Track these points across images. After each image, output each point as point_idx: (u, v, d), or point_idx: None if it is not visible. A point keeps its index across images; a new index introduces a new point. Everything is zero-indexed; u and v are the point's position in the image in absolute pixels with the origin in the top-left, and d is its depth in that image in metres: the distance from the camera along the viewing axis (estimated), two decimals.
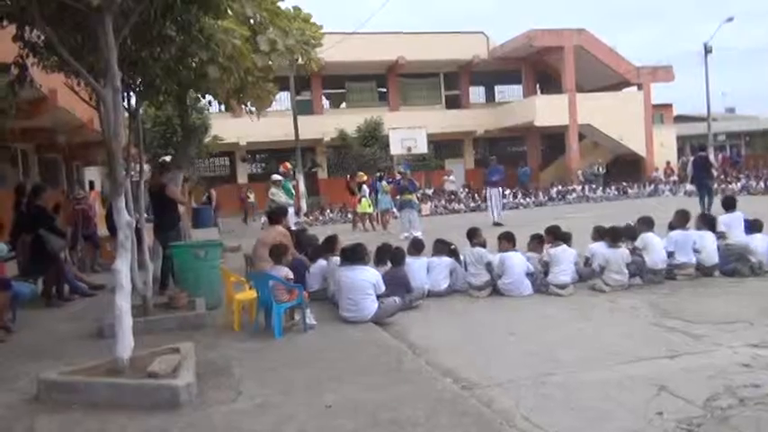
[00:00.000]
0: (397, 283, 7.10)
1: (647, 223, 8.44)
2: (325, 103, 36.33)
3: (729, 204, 9.22)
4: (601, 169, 32.04)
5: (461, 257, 8.24)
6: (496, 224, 15.50)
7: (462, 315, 7.09)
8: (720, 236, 8.45)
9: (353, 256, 6.99)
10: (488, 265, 7.92)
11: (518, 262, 7.79)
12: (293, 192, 15.72)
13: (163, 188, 8.65)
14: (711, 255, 8.21)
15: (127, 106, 6.99)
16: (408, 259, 7.81)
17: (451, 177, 32.52)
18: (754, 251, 8.22)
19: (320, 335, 6.24)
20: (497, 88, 40.06)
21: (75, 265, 10.67)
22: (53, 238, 8.57)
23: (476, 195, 27.97)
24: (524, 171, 32.25)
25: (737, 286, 7.65)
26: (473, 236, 8.40)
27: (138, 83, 6.84)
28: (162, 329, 6.47)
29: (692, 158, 16.87)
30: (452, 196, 28.51)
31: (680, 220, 8.54)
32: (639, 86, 34.44)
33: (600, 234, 8.30)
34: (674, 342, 5.45)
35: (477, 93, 39.55)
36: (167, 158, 10.97)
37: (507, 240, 8.12)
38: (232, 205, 30.79)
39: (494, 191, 17.29)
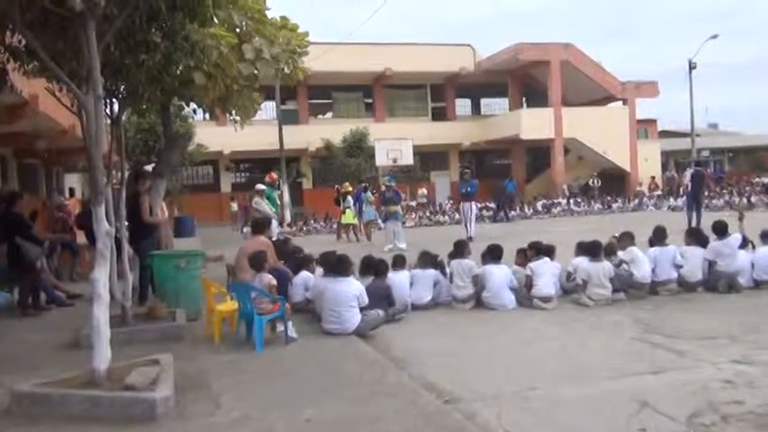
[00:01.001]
0: (379, 296, 7.08)
1: (630, 238, 8.52)
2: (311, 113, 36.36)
3: (721, 230, 8.56)
4: (596, 182, 32.25)
5: (447, 270, 8.25)
6: (470, 239, 15.07)
7: (446, 328, 7.08)
8: (711, 263, 8.41)
9: (337, 267, 6.97)
10: (475, 278, 7.94)
11: (500, 275, 7.82)
12: (278, 202, 15.66)
13: (137, 196, 8.55)
14: (695, 271, 8.28)
15: (109, 113, 6.93)
16: (390, 273, 7.80)
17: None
18: (741, 272, 8.27)
19: (302, 348, 6.20)
20: (483, 101, 40.41)
21: (52, 274, 10.53)
22: (29, 245, 8.45)
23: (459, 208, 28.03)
24: (512, 184, 32.30)
25: (721, 302, 7.72)
26: (462, 248, 8.42)
27: (120, 90, 6.79)
28: (140, 341, 6.38)
29: (689, 171, 16.95)
30: (438, 208, 28.57)
31: (658, 236, 8.62)
32: (624, 101, 34.94)
33: (582, 249, 8.35)
34: (657, 358, 5.48)
35: (463, 105, 39.87)
36: (148, 167, 10.87)
37: (490, 254, 8.13)
38: (215, 214, 30.68)
39: (467, 205, 16.79)
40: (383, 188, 17.30)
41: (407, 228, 20.17)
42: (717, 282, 8.17)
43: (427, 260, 8.32)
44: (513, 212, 26.54)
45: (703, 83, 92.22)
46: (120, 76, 6.41)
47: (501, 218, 25.24)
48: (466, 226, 16.55)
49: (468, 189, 16.91)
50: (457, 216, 25.79)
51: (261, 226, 8.30)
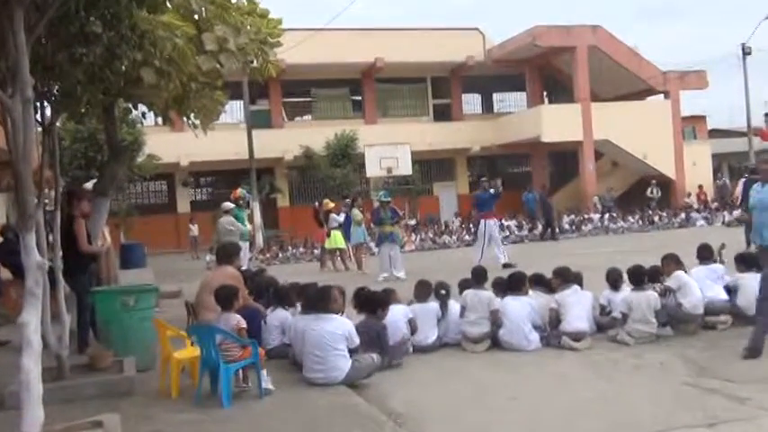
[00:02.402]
0: (371, 338, 7.07)
1: (676, 261, 8.56)
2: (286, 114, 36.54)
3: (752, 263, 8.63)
4: (656, 192, 32.31)
5: (451, 301, 8.25)
6: (506, 265, 14.87)
7: (455, 374, 7.07)
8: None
9: (318, 302, 6.97)
10: (494, 314, 7.94)
11: (519, 309, 7.83)
12: (247, 225, 15.67)
13: (71, 221, 8.54)
14: (753, 300, 8.29)
15: (40, 120, 6.96)
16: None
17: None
18: None
19: (279, 402, 6.18)
20: (496, 96, 40.71)
21: None
22: None
23: (470, 227, 28.13)
24: (532, 195, 32.34)
25: None
26: (481, 276, 8.45)
27: (54, 91, 6.83)
28: (81, 397, 6.36)
29: (742, 181, 17.08)
30: (444, 227, 28.64)
31: (703, 254, 8.73)
32: (666, 95, 35.15)
33: (613, 279, 8.41)
34: (712, 406, 5.48)
35: (471, 101, 40.14)
36: (88, 185, 10.89)
37: (508, 284, 8.16)
38: (170, 239, 30.63)
39: (489, 222, 16.37)
40: (376, 205, 17.26)
41: (406, 252, 20.17)
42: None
43: (424, 291, 8.33)
44: (535, 231, 26.63)
45: (761, 71, 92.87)
46: (52, 75, 6.45)
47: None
48: (482, 249, 15.99)
49: (487, 201, 16.52)
50: (467, 236, 25.95)
51: (228, 254, 8.28)
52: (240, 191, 16.27)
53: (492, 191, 16.47)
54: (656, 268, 8.63)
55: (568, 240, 25.27)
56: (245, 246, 15.28)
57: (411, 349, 7.79)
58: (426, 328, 7.99)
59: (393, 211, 16.16)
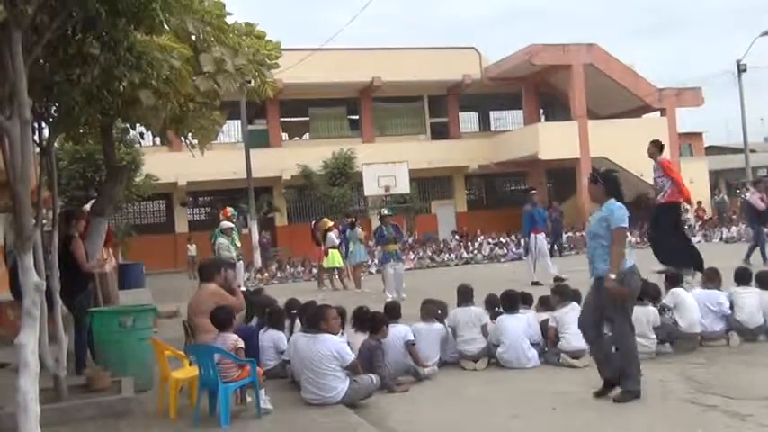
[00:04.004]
0: (366, 358, 7.03)
1: (675, 280, 8.56)
2: (284, 134, 36.63)
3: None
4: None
5: (448, 323, 8.22)
6: (536, 283, 14.61)
7: (454, 393, 7.05)
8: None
9: (312, 321, 6.96)
10: (484, 328, 7.95)
11: (516, 326, 7.82)
12: (238, 244, 15.64)
13: (68, 242, 8.53)
14: (754, 314, 8.30)
15: (38, 140, 6.97)
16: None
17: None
18: None
19: (278, 422, 6.16)
20: (493, 114, 40.91)
21: None
22: None
23: (469, 245, 28.13)
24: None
25: None
26: (468, 294, 8.43)
27: (52, 112, 6.85)
28: (78, 419, 6.33)
29: (748, 195, 17.13)
30: (443, 245, 28.64)
31: (709, 277, 8.69)
32: (663, 112, 35.37)
33: None
34: (713, 424, 5.47)
35: (468, 120, 40.33)
36: (87, 207, 10.89)
37: (503, 302, 8.17)
38: (168, 260, 30.59)
39: (538, 237, 16.13)
40: (378, 223, 17.02)
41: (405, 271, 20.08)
42: None
43: (432, 311, 8.29)
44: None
45: (756, 89, 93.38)
46: (50, 96, 6.48)
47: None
48: (534, 266, 15.72)
49: (539, 218, 16.34)
50: (465, 254, 25.95)
51: (209, 272, 8.04)
52: (230, 209, 16.28)
53: (540, 208, 16.46)
54: (656, 287, 8.63)
55: (566, 258, 25.25)
56: (240, 264, 15.30)
57: (435, 368, 7.70)
58: (429, 349, 7.92)
59: (396, 228, 15.84)
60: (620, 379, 6.25)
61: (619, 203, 6.28)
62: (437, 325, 8.12)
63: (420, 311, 8.37)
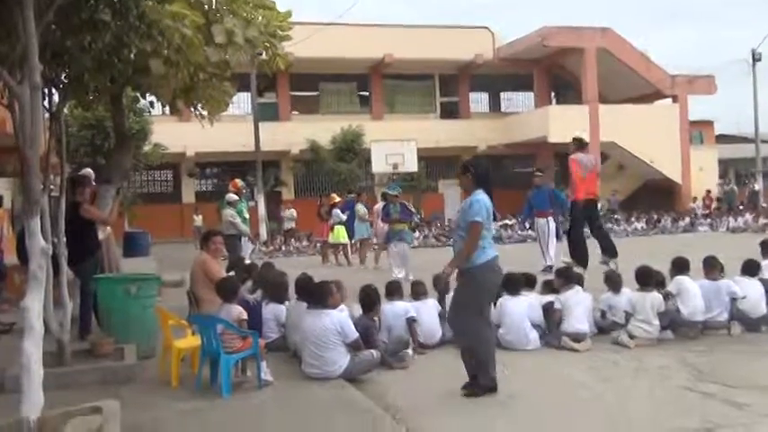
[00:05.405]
0: (364, 338, 7.03)
1: (681, 267, 8.54)
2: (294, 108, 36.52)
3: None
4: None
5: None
6: (549, 268, 13.47)
7: (454, 371, 7.04)
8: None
9: (315, 296, 6.97)
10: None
11: (517, 309, 7.84)
12: (247, 216, 15.59)
13: (76, 207, 8.56)
14: (757, 304, 8.30)
15: (48, 106, 6.97)
16: (387, 305, 7.78)
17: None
18: None
19: (278, 394, 6.20)
20: (504, 95, 40.68)
21: None
22: None
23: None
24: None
25: None
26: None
27: (62, 78, 6.84)
28: (81, 383, 6.38)
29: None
30: (448, 225, 28.61)
31: (709, 268, 8.68)
32: (674, 99, 35.12)
33: (614, 282, 8.41)
34: (710, 411, 5.48)
35: (479, 100, 40.12)
36: (88, 170, 10.88)
37: (505, 285, 8.16)
38: (175, 229, 30.65)
39: (542, 221, 15.13)
40: (383, 201, 16.78)
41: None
42: None
43: (421, 292, 8.33)
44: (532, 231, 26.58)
45: None
46: (61, 62, 6.47)
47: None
48: (543, 251, 14.79)
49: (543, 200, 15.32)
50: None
51: (202, 241, 8.17)
52: (239, 181, 16.16)
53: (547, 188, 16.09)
54: (660, 274, 8.62)
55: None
56: (245, 238, 15.30)
57: (411, 353, 7.54)
58: (432, 325, 7.98)
59: (403, 206, 15.36)
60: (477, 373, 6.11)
61: (479, 197, 6.05)
62: (430, 301, 8.19)
63: (411, 291, 8.42)
